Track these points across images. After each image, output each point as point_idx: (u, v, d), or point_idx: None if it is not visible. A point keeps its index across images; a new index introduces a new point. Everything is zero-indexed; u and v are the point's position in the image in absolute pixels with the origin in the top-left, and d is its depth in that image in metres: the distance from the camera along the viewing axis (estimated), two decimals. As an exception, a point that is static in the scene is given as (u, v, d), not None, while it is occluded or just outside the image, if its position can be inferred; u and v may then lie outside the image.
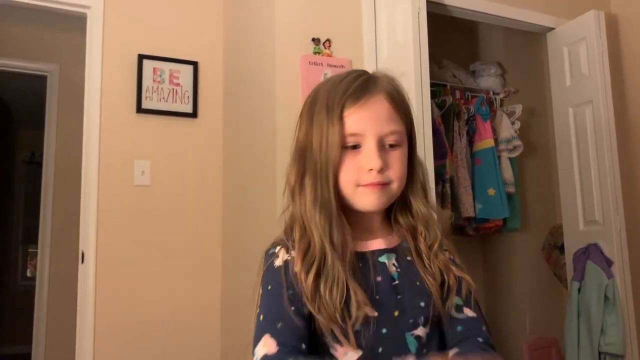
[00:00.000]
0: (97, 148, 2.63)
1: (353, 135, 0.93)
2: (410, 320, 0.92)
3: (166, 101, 2.79)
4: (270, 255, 0.95)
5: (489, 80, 3.49)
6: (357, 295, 0.87)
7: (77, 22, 2.82)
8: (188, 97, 2.84)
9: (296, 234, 0.94)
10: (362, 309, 0.86)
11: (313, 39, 2.39)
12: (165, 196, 2.73)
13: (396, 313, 0.91)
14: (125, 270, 2.60)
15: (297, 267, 0.90)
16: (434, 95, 3.20)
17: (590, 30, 2.85)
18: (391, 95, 0.97)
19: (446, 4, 2.69)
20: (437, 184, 2.85)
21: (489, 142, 3.11)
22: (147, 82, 2.75)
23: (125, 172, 2.67)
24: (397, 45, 2.41)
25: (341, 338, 0.86)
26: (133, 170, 2.68)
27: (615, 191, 2.71)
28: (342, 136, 0.92)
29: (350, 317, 0.86)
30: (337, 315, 0.86)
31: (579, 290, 2.75)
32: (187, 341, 2.67)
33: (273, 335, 0.87)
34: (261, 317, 0.91)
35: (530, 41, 3.53)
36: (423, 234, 0.99)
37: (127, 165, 2.68)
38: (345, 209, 0.95)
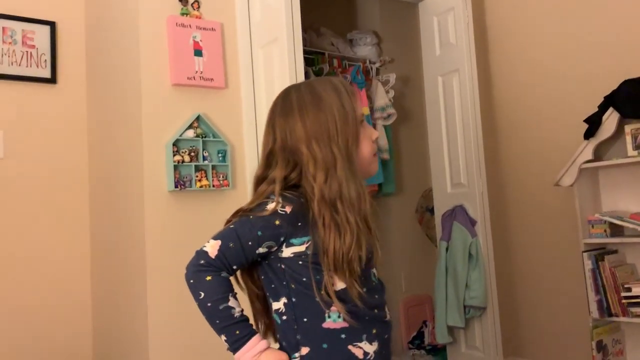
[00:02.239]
0: (-63, 117, 2.35)
1: (362, 114, 1.18)
2: (370, 262, 1.16)
3: (19, 65, 2.54)
4: (266, 199, 1.12)
5: (365, 49, 3.54)
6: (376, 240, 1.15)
7: None
8: (45, 60, 2.60)
9: (322, 213, 1.09)
10: (377, 250, 1.16)
11: (180, 0, 2.27)
12: (23, 168, 2.51)
13: (369, 255, 1.14)
14: (-22, 251, 2.37)
15: (332, 239, 1.08)
16: (311, 63, 3.20)
17: (457, 0, 2.97)
18: None
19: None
20: (314, 151, 2.87)
21: (364, 110, 3.17)
22: (-5, 43, 2.48)
23: (-27, 143, 2.41)
24: (269, 9, 2.35)
25: (354, 277, 1.09)
26: (-17, 141, 2.43)
27: (478, 155, 2.88)
28: (358, 114, 1.16)
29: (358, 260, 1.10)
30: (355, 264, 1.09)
31: (447, 249, 2.92)
32: (54, 321, 2.50)
33: (221, 247, 1.11)
34: (231, 226, 1.13)
35: (404, 11, 3.63)
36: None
37: (-26, 135, 2.41)
38: None
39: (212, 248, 1.12)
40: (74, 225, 2.60)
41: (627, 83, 2.39)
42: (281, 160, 1.16)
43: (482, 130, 2.92)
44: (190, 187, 2.18)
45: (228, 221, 1.16)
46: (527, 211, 3.02)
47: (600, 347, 2.44)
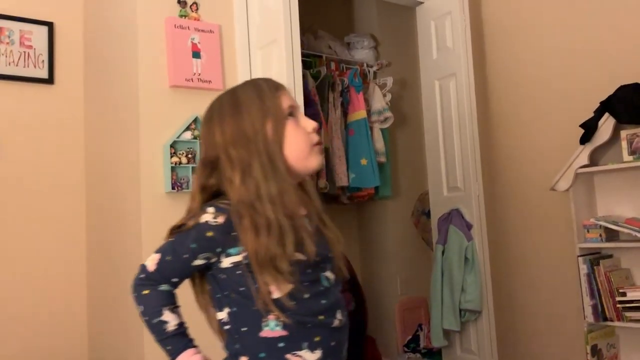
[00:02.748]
0: None
1: (290, 106, 1.16)
2: (322, 265, 1.15)
3: (16, 65, 2.53)
4: (204, 209, 1.11)
5: (362, 53, 3.55)
6: (309, 241, 1.10)
7: None
8: (43, 61, 2.59)
9: (243, 211, 1.08)
10: (310, 251, 1.09)
11: (179, 1, 2.27)
12: (19, 170, 2.50)
13: (318, 258, 1.12)
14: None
15: (251, 239, 1.06)
16: (309, 65, 3.21)
17: (454, 5, 2.98)
18: None
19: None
20: (311, 154, 2.87)
21: (361, 114, 3.18)
22: (-8, 43, 2.48)
23: (-31, 143, 2.40)
24: (268, 11, 2.36)
25: (283, 277, 1.07)
26: (-21, 142, 2.42)
27: (475, 159, 2.89)
28: (283, 109, 1.14)
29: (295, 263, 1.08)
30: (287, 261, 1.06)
31: (443, 252, 2.93)
32: (49, 324, 2.48)
33: (160, 261, 1.12)
34: (171, 239, 1.14)
35: (401, 14, 3.64)
36: (317, 202, 1.22)
37: (-29, 135, 2.41)
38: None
39: (152, 262, 1.13)
40: (70, 226, 2.59)
41: (623, 89, 2.40)
42: (201, 169, 1.16)
43: (478, 134, 2.93)
44: (188, 188, 2.18)
45: (169, 234, 1.16)
46: (523, 215, 3.03)
47: (595, 351, 2.45)
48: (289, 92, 1.20)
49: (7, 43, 2.51)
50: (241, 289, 1.09)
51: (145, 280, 1.13)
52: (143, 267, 1.14)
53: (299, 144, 1.15)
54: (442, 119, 3.05)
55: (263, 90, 1.16)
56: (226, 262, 1.10)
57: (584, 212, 2.57)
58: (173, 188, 2.15)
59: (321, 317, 1.11)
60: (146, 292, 1.13)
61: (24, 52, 2.56)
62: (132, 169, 2.20)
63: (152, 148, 2.16)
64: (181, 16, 2.26)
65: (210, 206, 1.11)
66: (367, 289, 3.49)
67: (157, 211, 2.15)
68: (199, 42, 2.27)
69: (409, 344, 3.44)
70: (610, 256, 2.55)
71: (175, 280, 1.14)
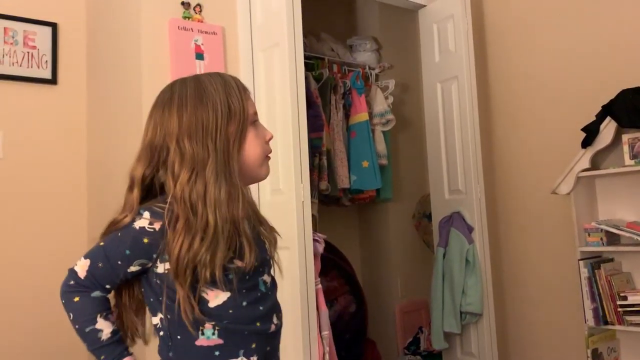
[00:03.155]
0: (-63, 116, 2.34)
1: (254, 113, 1.13)
2: (261, 269, 1.12)
3: (20, 65, 2.54)
4: (135, 214, 1.06)
5: (364, 55, 3.56)
6: (252, 248, 1.07)
7: None
8: (46, 61, 2.60)
9: (180, 210, 1.02)
10: (251, 259, 1.05)
11: (182, 3, 2.28)
12: (22, 170, 2.50)
13: (256, 263, 1.08)
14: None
15: (196, 245, 1.01)
16: (311, 68, 3.22)
17: (457, 8, 2.99)
18: None
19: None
20: (314, 156, 2.88)
21: (363, 116, 3.19)
22: (-4, 43, 2.49)
23: (-28, 143, 2.41)
24: (271, 14, 2.37)
25: (214, 289, 1.04)
26: (-18, 141, 2.43)
27: (476, 162, 2.90)
28: (248, 115, 1.11)
29: (226, 268, 1.04)
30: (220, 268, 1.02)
31: (444, 255, 2.93)
32: (51, 324, 2.48)
33: (90, 267, 1.08)
34: (101, 244, 1.09)
35: (404, 17, 3.65)
36: (253, 203, 1.17)
37: (-26, 135, 2.41)
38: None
39: (82, 268, 1.08)
40: (72, 226, 2.59)
41: (625, 93, 2.41)
42: (144, 155, 1.09)
43: (480, 137, 2.93)
44: (190, 189, 2.18)
45: (104, 233, 1.11)
46: (524, 218, 3.03)
47: (596, 355, 2.45)
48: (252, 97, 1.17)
49: (11, 43, 2.52)
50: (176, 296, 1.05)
51: (75, 287, 1.08)
52: (72, 273, 1.09)
53: (256, 151, 1.11)
54: (444, 121, 3.05)
55: (231, 87, 1.10)
56: (161, 268, 1.05)
57: (585, 215, 2.57)
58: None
59: (258, 324, 1.09)
60: (76, 299, 1.08)
61: (28, 52, 2.56)
62: (135, 169, 2.20)
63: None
64: (185, 18, 2.27)
65: (146, 210, 1.05)
66: (367, 291, 3.49)
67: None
68: (202, 44, 2.28)
69: (409, 346, 3.44)
70: (612, 260, 2.55)
71: (108, 286, 1.09)
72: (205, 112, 1.06)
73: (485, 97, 3.19)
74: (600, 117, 2.47)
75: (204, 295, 1.05)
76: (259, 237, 1.15)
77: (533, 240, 2.99)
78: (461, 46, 2.95)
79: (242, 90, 1.12)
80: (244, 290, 1.07)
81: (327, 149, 3.02)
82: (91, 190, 2.62)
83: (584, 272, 2.46)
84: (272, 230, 1.19)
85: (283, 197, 2.23)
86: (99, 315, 1.08)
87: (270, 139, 1.15)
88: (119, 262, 1.06)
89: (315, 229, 2.36)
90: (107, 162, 2.50)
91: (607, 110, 2.44)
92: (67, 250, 2.57)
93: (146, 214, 1.05)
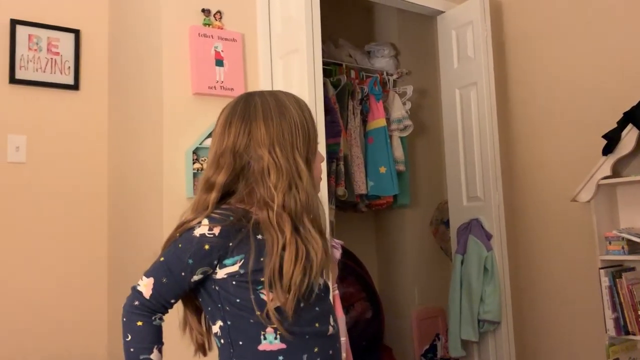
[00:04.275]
0: (-37, 121, 2.40)
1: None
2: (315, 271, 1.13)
3: (44, 71, 2.59)
4: (196, 223, 1.08)
5: (382, 61, 3.56)
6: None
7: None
8: (69, 67, 2.65)
9: (281, 226, 1.06)
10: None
11: (203, 10, 2.30)
12: (44, 174, 2.54)
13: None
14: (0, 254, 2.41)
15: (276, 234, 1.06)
16: (329, 74, 3.23)
17: (476, 14, 2.98)
18: None
19: (340, -19, 2.69)
20: (331, 162, 2.88)
21: (381, 122, 3.19)
22: (21, 50, 2.53)
23: (-4, 147, 2.45)
24: (290, 20, 2.38)
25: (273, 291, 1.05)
26: (6, 146, 2.47)
27: (495, 169, 2.88)
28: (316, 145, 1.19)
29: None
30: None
31: (462, 262, 2.91)
32: (69, 334, 2.52)
33: (155, 285, 1.08)
34: (161, 259, 1.10)
35: (422, 24, 3.64)
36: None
37: (-1, 140, 2.46)
38: None
39: (146, 287, 1.09)
40: (93, 230, 2.63)
41: (647, 100, 2.38)
42: (227, 163, 1.10)
43: (499, 143, 2.92)
44: (209, 195, 2.20)
45: (170, 237, 1.12)
46: (544, 226, 3.00)
47: (617, 365, 2.41)
48: None
49: (35, 50, 2.57)
50: (237, 300, 1.07)
51: (140, 309, 1.09)
52: (137, 293, 1.10)
53: (319, 170, 1.20)
54: (463, 127, 3.04)
55: (304, 108, 1.17)
56: (221, 273, 1.08)
57: (606, 223, 2.54)
58: (195, 193, 2.17)
59: (317, 325, 1.10)
60: (140, 323, 1.09)
61: (51, 58, 2.61)
62: (155, 174, 2.23)
63: (174, 154, 2.19)
64: (205, 25, 2.30)
65: (205, 217, 1.08)
66: (384, 297, 3.48)
67: (178, 216, 2.16)
68: (222, 51, 2.30)
69: (426, 354, 3.42)
70: (633, 269, 2.51)
71: (172, 301, 1.11)
72: (288, 126, 1.10)
73: (504, 104, 3.17)
74: (622, 124, 2.44)
75: (263, 297, 1.05)
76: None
77: (553, 248, 2.95)
78: (480, 52, 2.94)
79: (311, 113, 1.19)
80: (300, 291, 1.08)
81: (344, 154, 3.02)
82: (111, 194, 2.65)
83: (605, 281, 2.43)
84: (326, 236, 1.22)
85: (301, 203, 2.24)
86: (155, 347, 1.10)
87: (322, 161, 1.23)
88: (183, 274, 1.07)
89: (332, 235, 2.37)
90: (127, 165, 2.53)
91: (629, 117, 2.41)
92: (87, 253, 2.60)
93: (205, 221, 1.08)
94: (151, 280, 1.09)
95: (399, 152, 3.27)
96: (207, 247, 1.06)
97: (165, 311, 1.12)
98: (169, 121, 2.19)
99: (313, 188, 1.12)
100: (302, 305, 1.08)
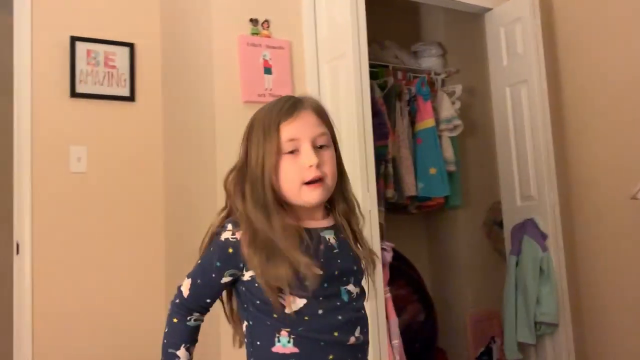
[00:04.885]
0: (30, 134, 2.53)
1: (291, 140, 1.14)
2: (344, 279, 1.16)
3: (102, 84, 2.71)
4: (221, 227, 1.16)
5: (430, 61, 3.54)
6: (302, 261, 1.07)
7: (4, 2, 2.69)
8: (125, 80, 2.76)
9: (242, 227, 1.12)
10: (310, 269, 1.07)
11: (251, 20, 2.36)
12: (104, 183, 2.66)
13: (336, 272, 1.14)
14: (63, 261, 2.53)
15: (245, 251, 1.10)
16: (376, 76, 3.23)
17: (525, 10, 2.92)
18: (316, 109, 1.20)
19: (385, -16, 2.69)
20: (379, 164, 2.88)
21: (430, 122, 3.16)
22: (80, 64, 2.66)
23: (60, 158, 2.58)
24: (335, 25, 2.40)
25: (290, 295, 1.09)
26: (68, 157, 2.60)
27: (549, 167, 2.81)
28: (279, 145, 1.13)
29: (300, 278, 1.08)
30: (286, 282, 1.07)
31: (517, 263, 2.85)
32: (130, 336, 2.62)
33: (192, 286, 1.18)
34: (199, 261, 1.19)
35: (469, 22, 3.59)
36: (354, 218, 1.24)
37: (62, 151, 2.59)
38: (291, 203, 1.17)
39: (186, 287, 1.19)
40: (150, 236, 2.73)
41: None
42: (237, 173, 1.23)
43: (552, 141, 2.84)
44: (260, 200, 2.24)
45: (202, 247, 1.21)
46: (602, 225, 2.90)
47: (685, 369, 2.31)
48: (306, 115, 1.17)
49: (94, 64, 2.69)
50: (257, 302, 1.11)
51: (179, 307, 1.19)
52: (179, 292, 1.20)
53: (288, 181, 1.14)
54: (514, 126, 2.98)
55: (271, 120, 1.15)
56: (247, 275, 1.13)
57: (669, 222, 2.44)
58: (246, 199, 2.22)
59: (336, 334, 1.10)
60: (175, 320, 1.19)
61: (108, 72, 2.73)
62: (208, 182, 2.30)
63: (227, 162, 2.20)
64: (253, 34, 2.35)
65: (229, 222, 1.15)
66: (437, 300, 3.45)
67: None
68: (270, 59, 2.35)
69: (481, 356, 3.36)
70: (700, 269, 2.40)
71: (208, 301, 1.18)
72: (250, 145, 1.18)
73: (557, 101, 3.08)
74: (684, 118, 2.34)
75: (283, 302, 1.09)
76: (348, 247, 1.19)
77: (611, 248, 2.85)
78: (530, 49, 2.88)
79: (278, 120, 1.15)
80: (321, 298, 1.10)
81: (392, 156, 3.02)
82: (168, 202, 2.75)
83: (670, 282, 2.33)
84: (366, 245, 1.24)
85: (350, 206, 2.25)
86: (183, 345, 1.17)
87: (312, 165, 1.13)
88: (213, 275, 1.14)
89: (382, 238, 2.37)
90: (182, 174, 2.61)
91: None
92: (145, 258, 2.71)
93: (229, 226, 1.14)
94: (189, 281, 1.19)
95: (449, 152, 3.24)
96: (230, 250, 1.12)
97: (203, 311, 1.20)
98: (221, 129, 2.25)
99: (262, 200, 1.13)
100: (320, 312, 1.10)
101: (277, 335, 1.09)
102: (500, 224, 3.23)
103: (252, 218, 1.11)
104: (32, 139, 2.53)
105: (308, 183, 1.13)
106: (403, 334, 2.50)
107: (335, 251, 1.16)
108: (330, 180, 1.17)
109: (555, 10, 3.16)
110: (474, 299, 3.47)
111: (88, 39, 2.68)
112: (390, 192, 2.96)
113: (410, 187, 3.05)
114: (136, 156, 2.74)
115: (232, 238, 1.12)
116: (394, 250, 2.41)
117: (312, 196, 1.14)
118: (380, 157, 2.90)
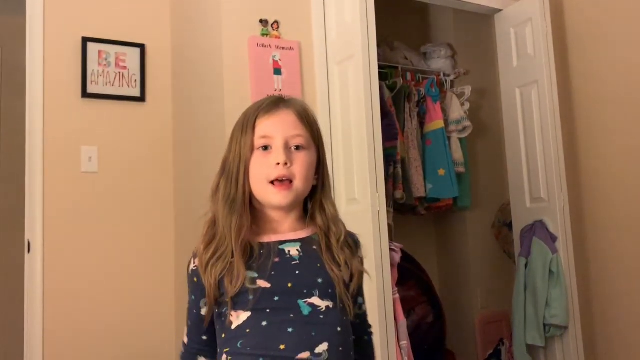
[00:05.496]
0: (42, 134, 2.56)
1: (263, 137, 1.11)
2: (305, 291, 1.07)
3: (112, 85, 2.73)
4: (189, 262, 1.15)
5: (439, 62, 3.53)
6: (238, 271, 1.05)
7: (17, 3, 2.72)
8: (135, 80, 2.78)
9: (206, 227, 1.13)
10: (238, 282, 1.04)
11: (261, 21, 2.37)
12: (115, 183, 2.68)
13: (290, 285, 1.07)
14: (74, 259, 2.55)
15: (201, 252, 1.10)
16: (385, 77, 3.23)
17: (535, 11, 2.91)
18: (298, 110, 1.15)
19: (394, -15, 2.70)
20: (388, 165, 2.88)
21: (439, 123, 3.16)
22: (92, 65, 2.68)
23: (71, 158, 2.61)
24: (345, 26, 2.41)
25: (234, 311, 1.07)
26: (80, 157, 2.62)
27: (559, 169, 2.79)
28: (253, 140, 1.11)
29: (246, 289, 1.05)
30: (235, 288, 1.05)
31: (526, 265, 2.84)
32: (140, 332, 2.64)
33: (187, 330, 1.18)
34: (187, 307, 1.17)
35: (479, 23, 3.58)
36: (333, 230, 1.15)
37: (73, 151, 2.61)
38: (260, 209, 1.14)
39: (185, 335, 1.19)
40: (160, 234, 2.75)
41: None
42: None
43: (562, 143, 2.83)
44: (269, 200, 2.25)
45: None
46: (613, 227, 2.88)
47: (696, 373, 2.29)
48: (285, 114, 1.13)
49: (105, 65, 2.72)
50: (217, 326, 1.11)
51: (184, 357, 1.18)
52: (182, 344, 1.19)
53: (255, 177, 1.11)
54: (524, 127, 2.97)
55: (250, 115, 1.13)
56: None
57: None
58: (255, 200, 2.23)
59: (282, 347, 1.02)
60: None
61: (119, 72, 2.75)
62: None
63: (236, 162, 2.25)
64: (263, 35, 2.36)
65: (193, 254, 1.14)
66: (446, 301, 3.44)
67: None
68: (279, 60, 2.36)
69: (490, 359, 3.35)
70: None
71: (204, 338, 1.14)
72: (230, 142, 1.16)
73: (567, 102, 3.07)
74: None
75: (231, 318, 1.07)
76: (317, 259, 1.11)
77: (623, 250, 2.83)
78: (540, 50, 2.87)
79: (264, 110, 1.12)
80: (268, 310, 1.05)
81: (401, 157, 3.02)
82: (177, 201, 2.76)
83: (681, 285, 2.31)
84: (342, 253, 1.13)
85: (359, 207, 2.26)
86: None
87: (278, 164, 1.09)
88: (194, 311, 1.14)
89: (391, 238, 2.37)
90: (192, 174, 2.63)
91: None
92: (155, 257, 2.72)
93: (192, 256, 1.15)
94: (185, 328, 1.18)
95: (458, 153, 3.23)
96: (195, 279, 1.13)
97: (205, 348, 1.15)
98: (231, 129, 2.26)
99: (232, 201, 1.11)
100: (264, 323, 1.04)
101: (222, 354, 1.07)
102: (509, 226, 3.22)
103: (217, 213, 1.11)
104: (44, 139, 2.56)
105: (275, 183, 1.09)
106: (412, 335, 2.50)
107: (294, 263, 1.09)
108: (300, 183, 1.10)
109: (566, 10, 3.14)
110: (483, 300, 3.46)
111: (99, 40, 2.71)
112: (399, 193, 2.96)
113: (419, 188, 3.05)
114: (147, 156, 2.76)
115: (193, 267, 1.12)
116: (403, 251, 2.41)
117: (277, 198, 1.09)
118: (389, 158, 2.90)
